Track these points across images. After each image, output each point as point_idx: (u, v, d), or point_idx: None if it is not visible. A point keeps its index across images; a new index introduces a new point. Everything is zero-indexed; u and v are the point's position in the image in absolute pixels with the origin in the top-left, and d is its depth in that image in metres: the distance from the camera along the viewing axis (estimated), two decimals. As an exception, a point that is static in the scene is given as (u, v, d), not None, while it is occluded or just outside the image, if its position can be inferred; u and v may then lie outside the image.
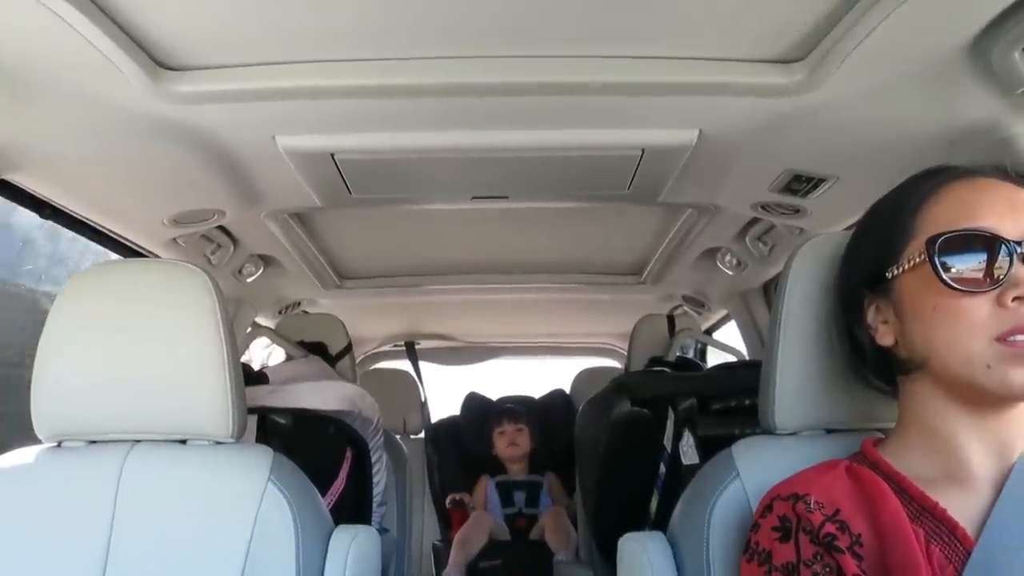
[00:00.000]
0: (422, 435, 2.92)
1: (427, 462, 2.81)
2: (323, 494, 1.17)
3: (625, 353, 2.58)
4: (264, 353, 2.69)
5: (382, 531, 1.67)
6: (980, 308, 0.67)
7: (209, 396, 1.01)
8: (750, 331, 2.35)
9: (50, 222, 1.45)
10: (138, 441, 1.04)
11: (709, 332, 2.74)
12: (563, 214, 1.91)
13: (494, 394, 3.03)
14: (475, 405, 2.96)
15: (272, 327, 2.29)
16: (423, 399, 2.98)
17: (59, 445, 1.05)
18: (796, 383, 0.89)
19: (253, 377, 1.72)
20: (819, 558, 0.69)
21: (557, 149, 1.31)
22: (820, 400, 0.89)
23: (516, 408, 2.85)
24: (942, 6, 0.87)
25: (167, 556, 0.96)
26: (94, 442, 1.04)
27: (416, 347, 3.20)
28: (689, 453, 1.46)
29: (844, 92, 1.07)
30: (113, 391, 1.01)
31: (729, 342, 2.51)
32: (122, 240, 1.65)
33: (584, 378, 3.06)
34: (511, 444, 2.76)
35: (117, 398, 1.01)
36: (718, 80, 1.07)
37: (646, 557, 0.94)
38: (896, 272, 0.74)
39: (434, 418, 3.00)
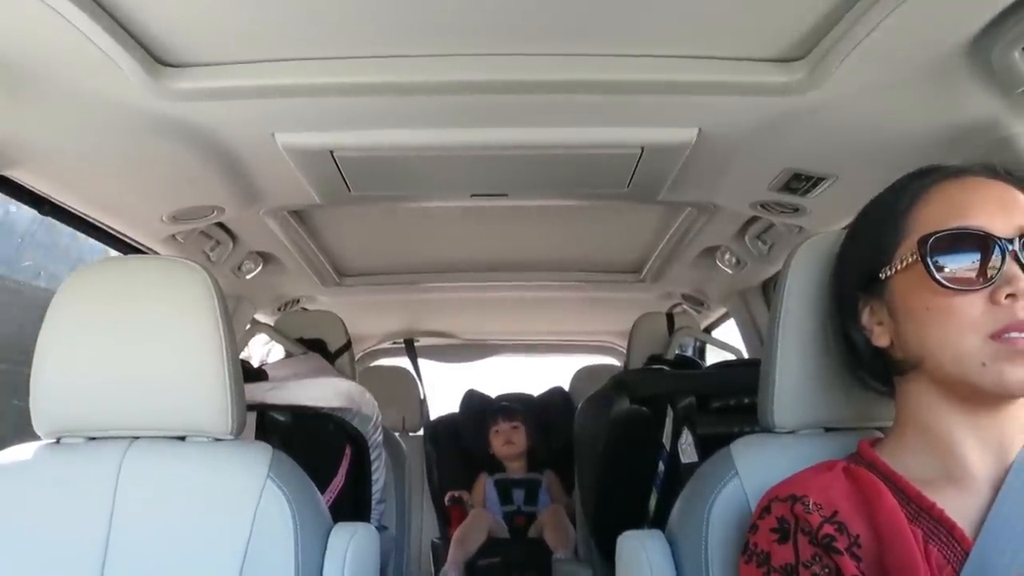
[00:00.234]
0: (421, 432, 2.92)
1: (426, 460, 2.80)
2: (322, 491, 1.17)
3: (624, 351, 2.58)
4: (263, 350, 2.69)
5: (381, 528, 1.67)
6: (973, 306, 0.67)
7: (208, 393, 1.01)
8: (749, 329, 2.35)
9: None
10: (137, 437, 1.04)
11: (708, 330, 2.74)
12: (562, 212, 1.91)
13: (493, 391, 3.02)
14: (474, 403, 2.95)
15: (271, 324, 2.29)
16: (422, 396, 2.98)
17: (58, 441, 1.04)
18: (795, 382, 0.89)
19: (252, 374, 1.71)
20: (818, 559, 0.69)
21: (556, 147, 1.31)
22: (819, 399, 0.89)
23: (512, 406, 2.84)
24: (942, 6, 0.87)
25: (166, 553, 0.96)
26: (93, 438, 1.04)
27: (415, 344, 3.20)
28: (688, 451, 1.45)
29: (844, 91, 1.07)
30: (112, 388, 1.00)
31: (728, 340, 2.51)
32: (121, 237, 1.65)
33: (583, 376, 3.06)
34: (507, 442, 2.74)
35: (116, 394, 1.01)
36: (718, 79, 1.07)
37: (645, 555, 0.94)
38: (889, 273, 0.74)
39: (433, 416, 2.99)
